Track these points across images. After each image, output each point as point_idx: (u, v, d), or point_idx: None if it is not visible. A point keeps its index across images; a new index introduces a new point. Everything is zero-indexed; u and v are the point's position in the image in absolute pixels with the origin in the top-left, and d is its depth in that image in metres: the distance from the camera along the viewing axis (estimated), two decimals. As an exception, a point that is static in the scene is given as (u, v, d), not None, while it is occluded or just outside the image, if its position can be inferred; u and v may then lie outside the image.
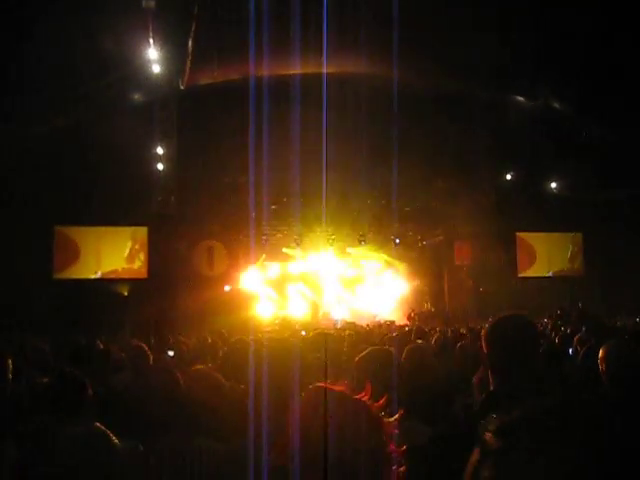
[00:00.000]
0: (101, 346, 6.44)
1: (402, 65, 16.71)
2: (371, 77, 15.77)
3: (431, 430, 2.49)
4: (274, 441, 1.62)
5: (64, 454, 2.11)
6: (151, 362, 4.31)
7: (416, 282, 21.73)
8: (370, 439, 1.42)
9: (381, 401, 1.53)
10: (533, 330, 2.03)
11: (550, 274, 21.67)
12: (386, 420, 1.49)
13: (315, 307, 21.33)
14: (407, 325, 17.70)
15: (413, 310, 20.95)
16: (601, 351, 2.97)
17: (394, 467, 1.44)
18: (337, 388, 1.52)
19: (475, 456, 0.88)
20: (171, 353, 7.27)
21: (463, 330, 10.48)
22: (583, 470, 0.79)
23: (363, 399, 1.51)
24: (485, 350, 1.95)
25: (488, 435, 0.86)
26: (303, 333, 10.00)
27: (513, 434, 0.85)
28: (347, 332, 9.17)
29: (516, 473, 0.82)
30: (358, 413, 1.46)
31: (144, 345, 4.62)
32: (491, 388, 1.99)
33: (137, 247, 18.54)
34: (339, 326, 15.33)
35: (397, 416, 1.55)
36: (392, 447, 1.48)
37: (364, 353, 2.70)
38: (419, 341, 6.24)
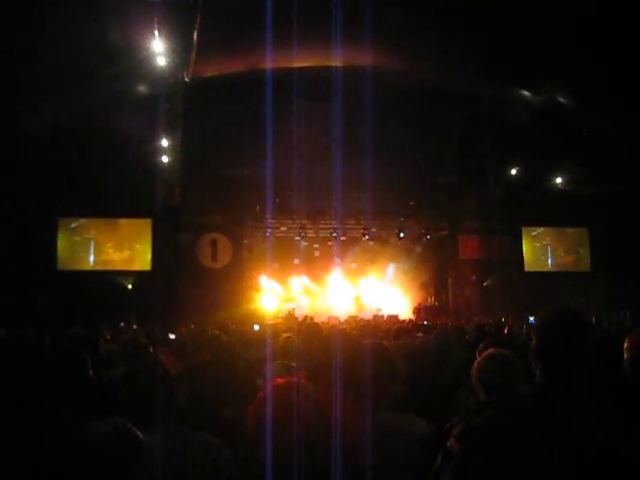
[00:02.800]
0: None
1: (408, 60, 16.68)
2: (377, 71, 15.71)
3: (426, 423, 2.49)
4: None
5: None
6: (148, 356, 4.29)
7: (420, 276, 21.71)
8: (317, 420, 1.56)
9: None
10: (588, 323, 1.98)
11: (556, 269, 21.62)
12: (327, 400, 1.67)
13: (318, 301, 21.37)
14: (412, 319, 17.73)
15: (420, 304, 20.96)
16: (626, 341, 3.01)
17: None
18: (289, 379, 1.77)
19: (438, 460, 0.88)
20: (172, 336, 7.32)
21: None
22: (541, 472, 0.78)
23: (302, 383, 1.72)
24: (536, 341, 1.91)
25: (451, 440, 0.86)
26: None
27: (474, 439, 0.84)
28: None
29: (475, 477, 0.81)
30: (302, 397, 1.64)
31: (143, 339, 4.61)
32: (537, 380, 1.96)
33: (141, 239, 18.58)
34: (342, 320, 15.34)
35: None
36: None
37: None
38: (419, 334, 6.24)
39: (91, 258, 18.71)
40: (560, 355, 1.74)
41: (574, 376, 1.70)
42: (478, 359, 2.70)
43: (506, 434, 0.81)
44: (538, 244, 21.54)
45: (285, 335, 4.45)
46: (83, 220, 18.76)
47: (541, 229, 21.63)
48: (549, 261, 21.61)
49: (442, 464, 0.87)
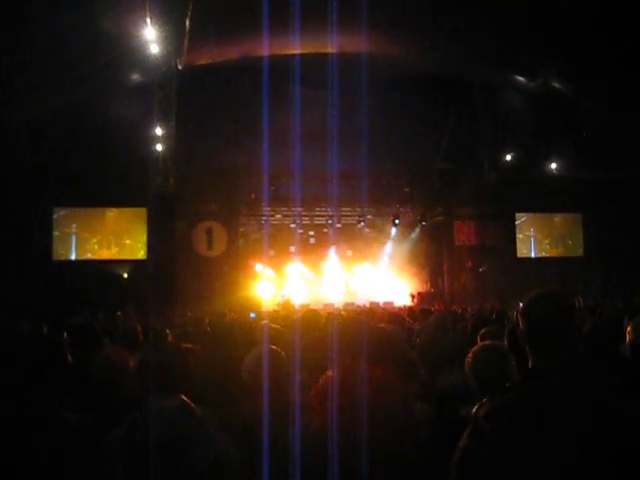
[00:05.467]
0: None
1: (403, 45, 16.61)
2: (373, 57, 15.65)
3: (428, 407, 2.54)
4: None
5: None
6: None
7: (416, 263, 21.73)
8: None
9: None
10: (571, 304, 1.99)
11: (549, 255, 21.69)
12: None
13: (314, 288, 21.39)
14: (410, 305, 17.78)
15: (420, 292, 20.99)
16: (629, 325, 3.08)
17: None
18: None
19: (465, 441, 0.89)
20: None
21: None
22: (571, 451, 0.80)
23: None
24: (523, 326, 1.92)
25: (479, 420, 0.87)
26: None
27: (504, 418, 0.85)
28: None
29: (510, 454, 0.82)
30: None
31: (138, 327, 4.61)
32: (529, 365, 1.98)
33: (136, 228, 18.54)
34: (338, 306, 15.38)
35: None
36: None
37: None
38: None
39: (72, 256, 18.28)
40: (547, 334, 1.76)
41: (564, 354, 1.72)
42: (474, 348, 2.73)
43: (534, 412, 0.82)
44: (521, 235, 21.47)
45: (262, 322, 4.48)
46: (62, 212, 18.30)
47: (524, 217, 21.54)
48: (532, 254, 21.59)
49: (472, 444, 0.87)
